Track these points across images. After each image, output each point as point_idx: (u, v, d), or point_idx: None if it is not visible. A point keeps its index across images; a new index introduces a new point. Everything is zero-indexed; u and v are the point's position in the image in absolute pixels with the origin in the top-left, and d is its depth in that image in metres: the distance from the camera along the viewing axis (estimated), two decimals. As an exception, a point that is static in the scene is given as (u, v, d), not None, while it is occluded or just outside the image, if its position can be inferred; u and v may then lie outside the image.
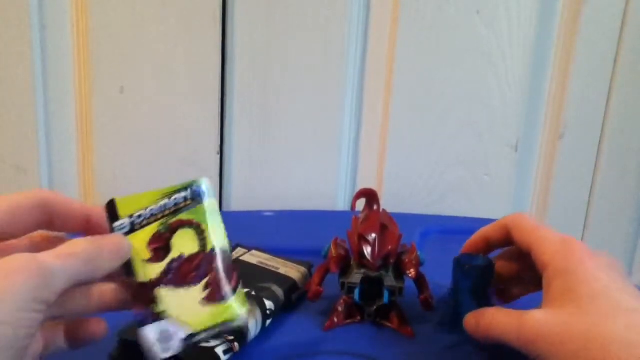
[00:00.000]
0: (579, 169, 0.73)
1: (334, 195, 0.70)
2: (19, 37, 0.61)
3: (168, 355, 0.34)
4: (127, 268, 0.35)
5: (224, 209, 0.68)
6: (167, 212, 0.35)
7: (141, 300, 0.34)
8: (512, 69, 0.68)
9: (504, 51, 0.67)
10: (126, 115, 0.65)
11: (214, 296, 0.35)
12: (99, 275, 0.33)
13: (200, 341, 0.35)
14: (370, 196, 0.47)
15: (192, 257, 0.35)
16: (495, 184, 0.72)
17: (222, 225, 0.36)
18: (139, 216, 0.35)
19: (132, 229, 0.35)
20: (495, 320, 0.37)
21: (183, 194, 0.35)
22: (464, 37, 0.67)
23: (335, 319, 0.44)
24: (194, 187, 0.36)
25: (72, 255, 0.31)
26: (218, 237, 0.36)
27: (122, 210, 0.35)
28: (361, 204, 0.47)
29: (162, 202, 0.35)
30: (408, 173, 0.70)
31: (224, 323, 0.35)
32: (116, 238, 0.34)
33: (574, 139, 0.71)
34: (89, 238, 0.33)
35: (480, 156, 0.71)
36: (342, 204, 0.71)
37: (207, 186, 0.36)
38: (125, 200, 0.35)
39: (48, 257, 0.30)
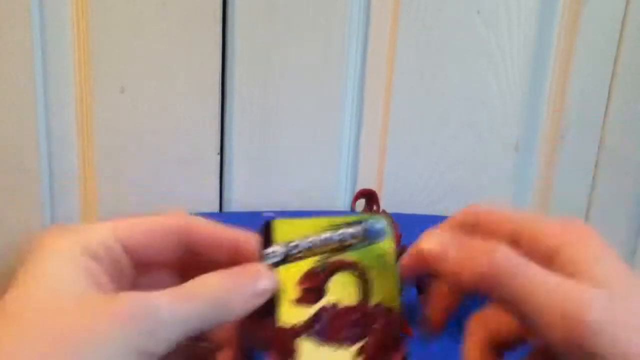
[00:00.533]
0: (579, 169, 0.73)
1: (334, 195, 0.70)
2: (19, 37, 0.61)
3: None
4: (267, 305, 0.28)
5: (224, 209, 0.68)
6: (328, 247, 0.29)
7: (276, 349, 0.28)
8: (512, 69, 0.68)
9: (504, 51, 0.67)
10: (126, 115, 0.65)
11: None
12: (229, 320, 0.27)
13: None
14: (370, 196, 0.47)
15: (348, 310, 0.29)
16: (495, 184, 0.72)
17: (397, 280, 0.29)
18: (296, 246, 0.29)
19: (285, 259, 0.29)
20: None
21: (352, 229, 0.29)
22: (464, 37, 0.67)
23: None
24: (368, 224, 0.29)
25: (195, 298, 0.25)
26: (387, 292, 0.29)
27: (278, 234, 0.30)
28: (361, 204, 0.47)
29: (325, 235, 0.29)
30: (408, 173, 0.70)
31: None
32: (257, 271, 0.27)
33: (574, 139, 0.71)
34: (222, 272, 0.27)
35: (480, 156, 0.71)
36: (342, 204, 0.71)
37: (383, 226, 0.30)
38: (284, 224, 0.30)
39: (163, 300, 0.24)
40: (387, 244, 0.30)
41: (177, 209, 0.29)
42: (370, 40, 0.66)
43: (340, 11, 0.65)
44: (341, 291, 0.29)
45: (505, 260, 0.26)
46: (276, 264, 0.29)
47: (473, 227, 0.30)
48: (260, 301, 0.27)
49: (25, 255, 0.26)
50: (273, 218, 0.31)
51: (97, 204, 0.67)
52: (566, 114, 0.71)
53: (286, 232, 0.29)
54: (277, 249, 0.29)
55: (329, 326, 0.28)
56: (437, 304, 0.31)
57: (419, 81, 0.68)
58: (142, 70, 0.64)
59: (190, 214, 0.30)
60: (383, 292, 0.29)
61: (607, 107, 0.71)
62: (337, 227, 0.29)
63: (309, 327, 0.28)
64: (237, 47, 0.65)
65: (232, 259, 0.29)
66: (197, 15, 0.63)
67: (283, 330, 0.28)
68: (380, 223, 0.30)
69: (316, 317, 0.28)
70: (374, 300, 0.29)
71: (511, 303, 0.26)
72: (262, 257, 0.29)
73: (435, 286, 0.31)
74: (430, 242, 0.28)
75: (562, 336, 0.24)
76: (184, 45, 0.64)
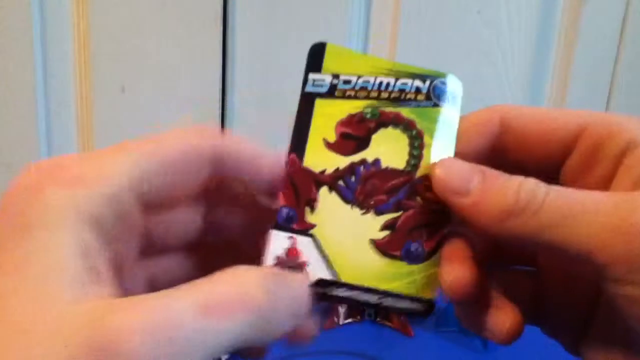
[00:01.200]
0: (579, 169, 0.73)
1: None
2: (19, 37, 0.61)
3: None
4: (297, 140, 0.24)
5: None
6: (385, 94, 0.24)
7: (293, 191, 0.23)
8: (512, 69, 0.68)
9: (504, 51, 0.67)
10: (127, 114, 0.65)
11: (393, 246, 0.23)
12: (267, 344, 0.21)
13: (345, 300, 0.23)
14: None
15: (390, 173, 0.24)
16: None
17: (452, 152, 0.24)
18: (347, 82, 0.24)
19: (331, 92, 0.24)
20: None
21: (417, 82, 0.25)
22: (464, 37, 0.67)
23: (335, 319, 0.44)
24: (437, 81, 0.25)
25: (232, 313, 0.18)
26: None
27: (328, 62, 0.25)
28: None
29: (385, 80, 0.24)
30: (408, 173, 0.70)
31: (390, 294, 0.23)
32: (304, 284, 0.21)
33: (574, 139, 0.71)
34: (265, 273, 0.20)
35: (480, 156, 0.71)
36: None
37: (455, 88, 0.26)
38: (339, 51, 0.25)
39: (189, 312, 0.18)
40: (452, 111, 0.26)
41: (201, 124, 0.24)
42: (371, 40, 0.66)
43: (340, 11, 0.65)
44: (387, 149, 0.24)
45: (536, 187, 0.21)
46: (319, 96, 0.24)
47: (503, 139, 0.25)
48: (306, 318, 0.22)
49: (5, 211, 0.20)
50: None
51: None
52: (566, 114, 0.71)
53: (339, 63, 0.25)
54: (324, 78, 0.24)
55: (362, 185, 0.24)
56: (457, 258, 0.24)
57: (419, 81, 0.68)
58: (142, 70, 0.64)
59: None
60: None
61: (607, 107, 0.71)
62: (400, 74, 0.25)
63: (338, 179, 0.23)
64: (237, 47, 0.65)
65: (270, 190, 0.24)
66: (197, 15, 0.63)
67: (307, 172, 0.24)
68: (453, 84, 0.26)
69: (350, 169, 0.24)
70: (422, 170, 0.23)
71: (547, 236, 0.21)
72: (305, 83, 0.25)
73: (452, 239, 0.24)
74: (447, 170, 0.23)
75: (622, 251, 0.20)
76: (184, 45, 0.64)
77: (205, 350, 0.18)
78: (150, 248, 0.24)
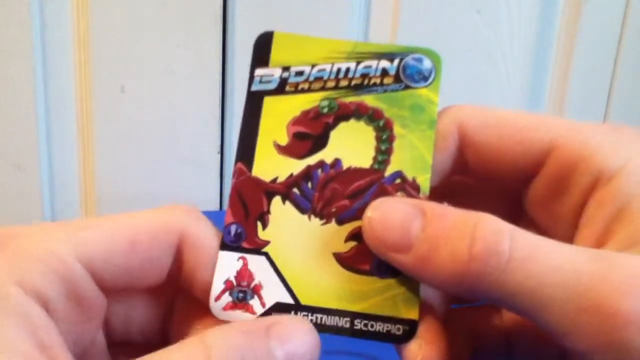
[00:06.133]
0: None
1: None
2: (19, 37, 0.61)
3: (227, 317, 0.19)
4: (244, 147, 0.22)
5: (225, 208, 0.68)
6: (345, 82, 0.21)
7: (241, 205, 0.20)
8: (512, 69, 0.68)
9: (504, 51, 0.67)
10: (127, 114, 0.65)
11: (361, 259, 0.20)
12: None
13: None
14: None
15: (354, 173, 0.20)
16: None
17: (431, 144, 0.21)
18: (299, 73, 0.21)
19: (281, 87, 0.21)
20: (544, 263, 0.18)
21: (383, 62, 0.21)
22: (464, 37, 0.66)
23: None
24: (408, 58, 0.22)
25: None
26: (415, 158, 0.20)
27: (277, 53, 0.21)
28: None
29: (344, 65, 0.21)
30: (408, 173, 0.70)
31: (362, 315, 0.19)
32: (286, 329, 0.18)
33: (574, 139, 0.71)
34: (240, 331, 0.18)
35: (480, 156, 0.71)
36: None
37: (429, 66, 0.22)
38: (288, 39, 0.21)
39: None
40: (429, 93, 0.22)
41: (179, 204, 0.21)
42: (370, 40, 0.66)
43: (340, 11, 0.65)
44: (349, 146, 0.20)
45: (496, 240, 0.17)
46: (267, 93, 0.21)
47: (462, 151, 0.21)
48: None
49: None
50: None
51: (97, 204, 0.67)
52: (566, 114, 0.70)
53: (290, 53, 0.21)
54: (271, 72, 0.21)
55: (321, 191, 0.20)
56: (432, 342, 0.20)
57: (419, 81, 0.68)
58: (142, 70, 0.64)
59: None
60: (409, 158, 0.20)
61: (607, 107, 0.71)
62: (363, 56, 0.21)
63: (292, 187, 0.20)
64: (237, 47, 0.65)
65: None
66: (197, 15, 0.63)
67: (256, 182, 0.20)
68: (427, 61, 0.22)
69: (306, 174, 0.20)
70: (394, 166, 0.20)
71: (513, 303, 0.18)
72: (251, 79, 0.22)
73: (426, 318, 0.21)
74: (382, 217, 0.19)
75: (591, 332, 0.17)
76: (184, 45, 0.64)
77: None
78: (113, 334, 0.21)
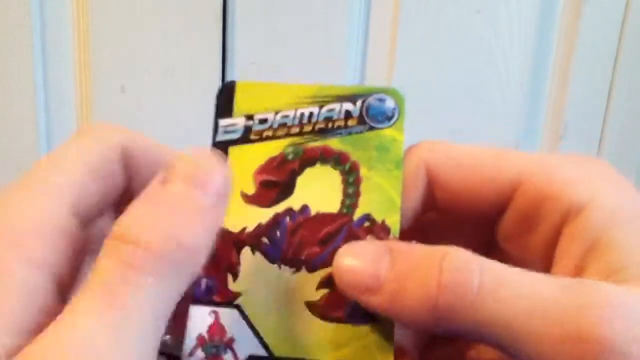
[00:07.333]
0: (579, 169, 0.73)
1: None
2: (19, 37, 0.61)
3: None
4: None
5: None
6: (309, 127, 0.21)
7: (211, 258, 0.19)
8: (512, 69, 0.68)
9: (504, 51, 0.67)
10: (127, 115, 0.65)
11: (333, 306, 0.19)
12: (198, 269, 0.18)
13: None
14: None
15: (322, 219, 0.20)
16: (495, 184, 0.72)
17: (399, 185, 0.20)
18: (263, 121, 0.21)
19: (245, 136, 0.21)
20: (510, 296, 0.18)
21: (346, 105, 0.21)
22: (464, 37, 0.66)
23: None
24: (371, 99, 0.21)
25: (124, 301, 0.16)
26: (383, 200, 0.20)
27: (240, 102, 0.22)
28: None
29: (307, 110, 0.21)
30: (408, 173, 0.70)
31: None
32: (203, 170, 0.18)
33: (574, 139, 0.71)
34: (155, 189, 0.18)
35: (480, 156, 0.71)
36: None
37: (392, 105, 0.21)
38: (251, 87, 0.22)
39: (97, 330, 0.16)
40: (394, 132, 0.21)
41: (99, 125, 0.21)
42: (370, 40, 0.66)
43: (340, 11, 0.65)
44: (316, 192, 0.20)
45: (465, 271, 0.17)
46: (232, 143, 0.21)
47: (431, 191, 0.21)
48: (221, 215, 0.18)
49: None
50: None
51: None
52: (566, 114, 0.70)
53: (253, 101, 0.21)
54: (235, 122, 0.21)
55: (289, 239, 0.20)
56: None
57: (419, 81, 0.68)
58: (142, 70, 0.64)
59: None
60: (377, 200, 0.20)
61: (607, 107, 0.71)
62: (326, 99, 0.21)
63: (260, 237, 0.20)
64: (237, 47, 0.65)
65: None
66: (197, 15, 0.63)
67: (225, 234, 0.20)
68: (389, 100, 0.21)
69: (274, 222, 0.20)
70: (362, 209, 0.20)
71: (487, 334, 0.17)
72: (215, 130, 0.22)
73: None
74: (351, 259, 0.19)
75: None
76: (184, 45, 0.64)
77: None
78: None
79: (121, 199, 0.22)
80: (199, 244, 0.17)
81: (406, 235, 0.21)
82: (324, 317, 0.19)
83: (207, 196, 0.17)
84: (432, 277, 0.17)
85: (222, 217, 0.18)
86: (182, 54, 0.64)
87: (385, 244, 0.19)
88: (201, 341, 0.19)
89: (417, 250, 0.19)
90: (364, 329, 0.19)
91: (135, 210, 0.17)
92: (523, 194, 0.20)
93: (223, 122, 0.22)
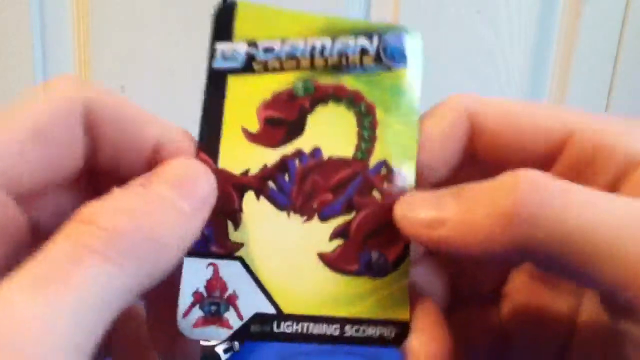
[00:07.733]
0: (579, 169, 0.73)
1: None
2: (19, 37, 0.61)
3: (197, 337, 0.17)
4: (206, 134, 0.19)
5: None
6: (321, 61, 0.18)
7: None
8: (512, 69, 0.68)
9: (504, 51, 0.67)
10: (126, 115, 0.65)
11: (347, 258, 0.18)
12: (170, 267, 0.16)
13: (293, 336, 0.17)
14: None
15: (335, 164, 0.18)
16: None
17: (416, 128, 0.18)
18: (268, 49, 0.18)
19: (248, 66, 0.19)
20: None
21: (362, 40, 0.19)
22: (464, 37, 0.66)
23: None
24: (388, 37, 0.19)
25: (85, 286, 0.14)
26: (399, 146, 0.18)
27: (242, 26, 0.19)
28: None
29: (319, 41, 0.18)
30: (408, 173, 0.70)
31: (352, 320, 0.17)
32: (187, 176, 0.17)
33: (574, 139, 0.71)
34: (135, 188, 0.16)
35: (480, 156, 0.71)
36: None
37: (412, 43, 0.20)
38: (254, 10, 0.19)
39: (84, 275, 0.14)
40: (410, 74, 0.19)
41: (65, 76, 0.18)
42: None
43: (340, 10, 0.65)
44: (329, 133, 0.18)
45: (540, 189, 0.16)
46: (231, 71, 0.19)
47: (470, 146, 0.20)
48: (204, 216, 0.16)
49: None
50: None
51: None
52: (566, 114, 0.70)
53: (256, 26, 0.19)
54: (236, 47, 0.19)
55: (300, 184, 0.18)
56: (429, 331, 0.18)
57: (419, 81, 0.68)
58: (142, 70, 0.64)
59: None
60: (394, 146, 0.18)
61: (607, 107, 0.71)
62: (339, 32, 0.18)
63: (266, 180, 0.18)
64: (237, 47, 0.65)
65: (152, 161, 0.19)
66: (197, 15, 0.63)
67: (224, 175, 0.18)
68: (409, 39, 0.19)
69: (282, 165, 0.18)
70: (378, 156, 0.18)
71: (562, 254, 0.16)
72: (211, 57, 0.19)
73: (420, 303, 0.19)
74: (412, 208, 0.17)
75: None
76: (184, 45, 0.64)
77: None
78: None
79: (83, 173, 0.18)
80: (171, 244, 0.15)
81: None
82: (337, 270, 0.18)
83: (190, 201, 0.16)
84: (507, 196, 0.16)
85: (200, 228, 0.16)
86: (182, 54, 0.64)
87: (447, 191, 0.18)
88: (198, 298, 0.17)
89: (483, 182, 0.17)
90: (379, 282, 0.18)
91: (111, 198, 0.16)
92: (574, 145, 0.19)
93: (221, 45, 0.19)
